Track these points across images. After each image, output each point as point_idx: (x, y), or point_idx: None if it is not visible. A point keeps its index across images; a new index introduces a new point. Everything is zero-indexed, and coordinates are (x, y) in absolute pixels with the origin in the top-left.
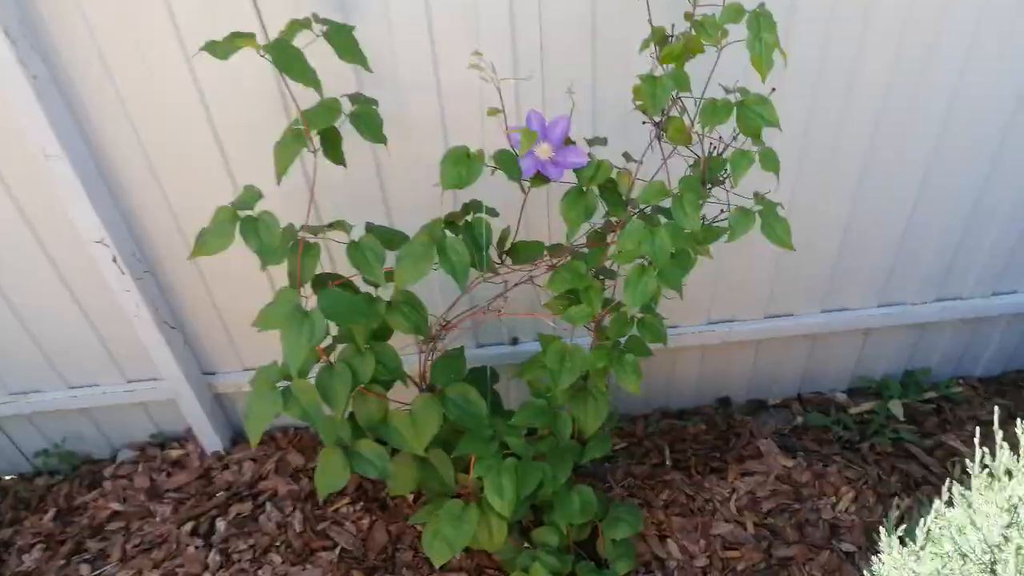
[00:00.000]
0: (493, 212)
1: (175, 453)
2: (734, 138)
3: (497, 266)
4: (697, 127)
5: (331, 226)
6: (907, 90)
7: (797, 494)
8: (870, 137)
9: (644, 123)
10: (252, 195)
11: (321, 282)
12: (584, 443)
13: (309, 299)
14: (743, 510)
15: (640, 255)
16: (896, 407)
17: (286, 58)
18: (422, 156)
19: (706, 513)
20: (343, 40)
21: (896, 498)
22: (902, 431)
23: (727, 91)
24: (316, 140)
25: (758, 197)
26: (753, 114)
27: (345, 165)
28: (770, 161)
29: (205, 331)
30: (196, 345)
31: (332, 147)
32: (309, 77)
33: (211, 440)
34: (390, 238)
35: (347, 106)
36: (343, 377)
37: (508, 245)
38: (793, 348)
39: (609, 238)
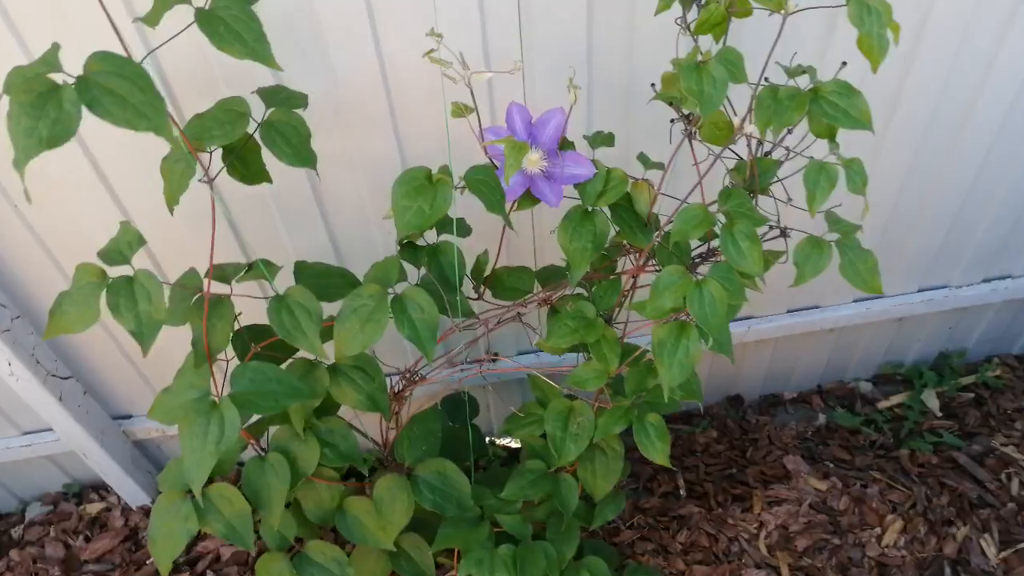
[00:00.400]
0: (464, 228)
1: (94, 508)
2: (789, 131)
3: (473, 302)
4: (749, 125)
5: (249, 269)
6: (982, 41)
7: (835, 525)
8: (938, 92)
9: (674, 121)
10: (129, 239)
11: (242, 343)
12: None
13: (232, 362)
14: (775, 550)
15: (678, 310)
16: (931, 399)
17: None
18: (371, 158)
19: (732, 557)
20: (233, 20)
21: (951, 527)
22: (943, 433)
23: (789, 73)
24: (214, 156)
25: (832, 219)
26: (832, 109)
27: (270, 181)
28: (858, 178)
29: (111, 373)
30: (101, 391)
31: (244, 161)
32: (148, 118)
33: (133, 493)
34: (330, 283)
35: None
36: (279, 472)
37: (487, 273)
38: (816, 341)
39: (620, 264)
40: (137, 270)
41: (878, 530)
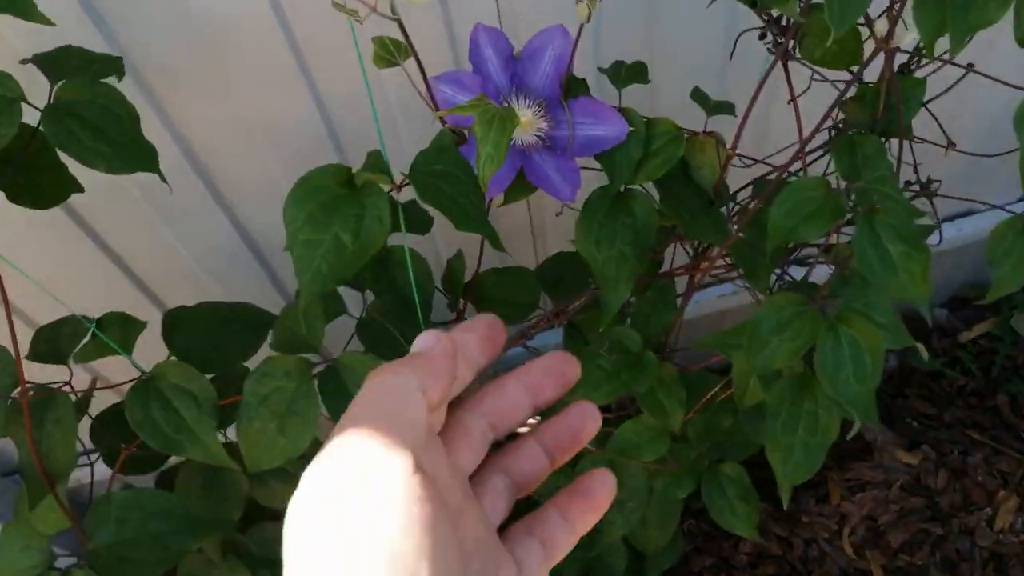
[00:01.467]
0: (423, 222)
1: None
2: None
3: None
4: (905, 35)
5: (95, 332)
6: None
7: (934, 510)
8: None
9: (763, 34)
10: None
11: (109, 441)
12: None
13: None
14: (863, 549)
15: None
16: (1023, 325)
17: None
18: (277, 124)
19: (812, 564)
20: None
21: None
22: None
23: None
24: None
25: None
26: None
27: (80, 189)
28: None
29: None
30: None
31: (32, 173)
32: None
33: None
34: (228, 335)
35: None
36: None
37: (466, 280)
38: None
39: (668, 256)
40: None
41: (988, 511)
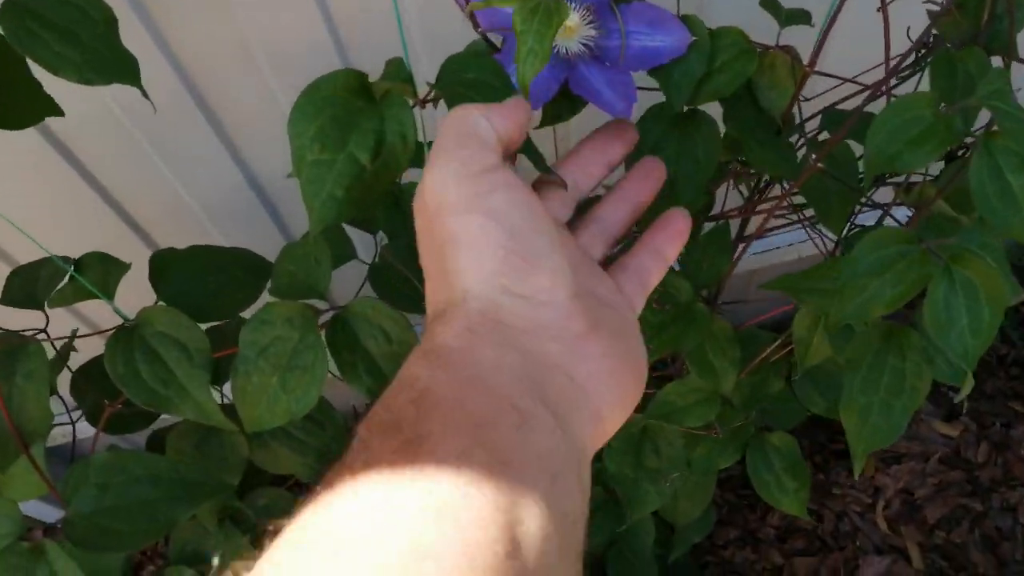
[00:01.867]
0: None
1: None
2: None
3: None
4: None
5: (73, 274)
6: None
7: (974, 484)
8: None
9: None
10: None
11: (92, 401)
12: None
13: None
14: (898, 524)
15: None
16: None
17: None
18: (282, 46)
19: (843, 539)
20: None
21: None
22: None
23: None
24: None
25: None
26: None
27: (58, 112)
28: None
29: None
30: None
31: None
32: None
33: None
34: (222, 282)
35: None
36: None
37: None
38: None
39: (720, 196)
40: None
41: None
